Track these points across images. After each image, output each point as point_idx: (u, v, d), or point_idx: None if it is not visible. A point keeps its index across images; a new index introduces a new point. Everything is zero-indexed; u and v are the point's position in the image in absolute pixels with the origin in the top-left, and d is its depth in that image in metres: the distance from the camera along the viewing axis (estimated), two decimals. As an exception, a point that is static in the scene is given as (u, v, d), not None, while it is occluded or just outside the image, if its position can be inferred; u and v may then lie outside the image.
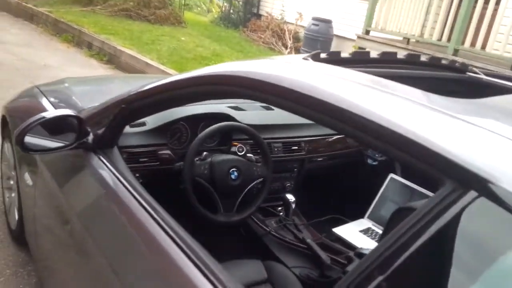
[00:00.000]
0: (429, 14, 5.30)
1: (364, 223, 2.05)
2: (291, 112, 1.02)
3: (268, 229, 1.88)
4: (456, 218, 0.68)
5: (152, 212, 1.20)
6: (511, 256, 0.65)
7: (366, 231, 1.97)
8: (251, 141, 1.87)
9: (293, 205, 1.92)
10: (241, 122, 1.87)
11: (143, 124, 1.77)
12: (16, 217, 2.17)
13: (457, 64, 1.57)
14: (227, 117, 1.88)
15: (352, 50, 6.20)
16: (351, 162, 2.16)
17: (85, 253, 1.37)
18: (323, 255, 1.70)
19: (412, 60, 1.45)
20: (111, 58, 6.46)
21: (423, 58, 1.48)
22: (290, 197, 1.93)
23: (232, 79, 1.15)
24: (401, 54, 1.47)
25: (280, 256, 1.78)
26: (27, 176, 1.93)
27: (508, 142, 0.73)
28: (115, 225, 1.32)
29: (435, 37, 5.21)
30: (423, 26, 5.32)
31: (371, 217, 2.06)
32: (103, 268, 1.22)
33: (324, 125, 0.96)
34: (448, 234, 0.69)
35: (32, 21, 8.50)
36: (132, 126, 1.74)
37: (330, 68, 1.12)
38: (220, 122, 1.79)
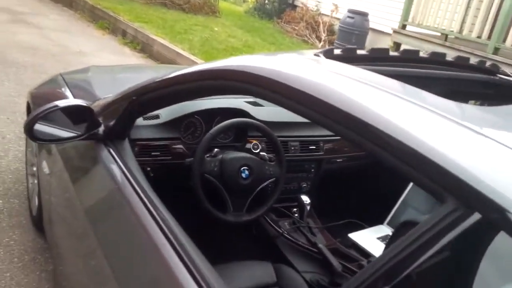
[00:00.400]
0: (469, 9, 5.05)
1: (383, 229, 1.95)
2: (293, 112, 0.96)
3: (280, 231, 1.82)
4: (456, 240, 0.62)
5: (152, 210, 1.17)
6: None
7: (384, 239, 1.87)
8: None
9: (308, 207, 1.86)
10: (257, 119, 1.81)
11: (157, 117, 1.75)
12: (36, 203, 2.20)
13: (487, 65, 1.46)
14: (243, 113, 1.82)
15: (388, 45, 6.02)
16: (372, 164, 2.08)
17: (88, 246, 1.36)
18: (335, 262, 1.64)
19: (436, 59, 1.35)
20: (144, 47, 6.52)
21: (448, 58, 1.38)
22: (305, 198, 1.87)
23: (235, 74, 1.10)
24: (424, 53, 1.38)
25: (291, 260, 1.73)
26: (44, 164, 1.95)
27: None
28: (115, 220, 1.31)
29: (474, 34, 4.96)
30: (463, 21, 5.07)
31: (391, 224, 1.97)
32: (101, 262, 1.21)
33: (324, 127, 0.89)
34: (445, 255, 0.64)
35: (71, 7, 8.68)
36: (145, 119, 1.72)
37: (339, 66, 1.05)
38: (235, 117, 1.74)
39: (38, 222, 2.16)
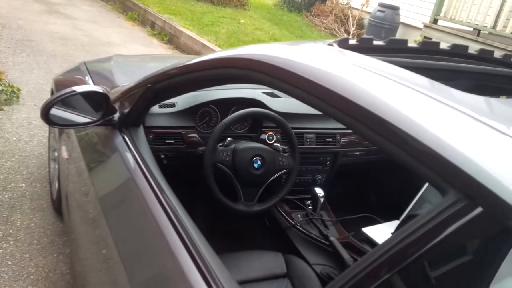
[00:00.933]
0: (505, 3, 4.85)
1: (399, 225, 1.91)
2: (303, 102, 0.94)
3: (293, 222, 1.81)
4: (455, 233, 0.60)
5: (162, 199, 1.18)
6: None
7: (398, 234, 1.83)
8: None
9: (322, 200, 1.83)
10: (273, 110, 1.79)
11: (172, 105, 1.75)
12: (56, 187, 2.25)
13: (512, 59, 1.40)
14: (259, 104, 1.81)
15: (419, 39, 5.87)
16: (390, 158, 2.03)
17: (99, 232, 1.38)
18: (346, 255, 1.61)
19: (457, 52, 1.30)
20: (171, 38, 6.57)
21: (470, 51, 1.33)
22: (319, 191, 1.84)
23: (248, 63, 1.09)
24: (444, 45, 1.33)
25: (302, 251, 1.71)
26: (64, 149, 2.00)
27: None
28: (126, 207, 1.32)
29: (509, 30, 4.77)
30: (497, 17, 4.88)
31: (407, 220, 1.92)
32: (111, 249, 1.22)
33: (334, 118, 0.87)
34: (444, 247, 0.62)
35: (102, -2, 8.84)
36: (161, 107, 1.73)
37: (352, 56, 1.02)
38: (251, 108, 1.73)
39: (58, 206, 2.22)
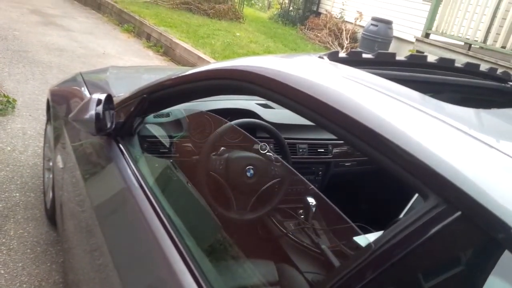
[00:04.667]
0: (495, 19, 4.95)
1: (390, 234, 1.94)
2: (294, 112, 0.98)
3: (285, 231, 1.83)
4: (435, 236, 0.62)
5: (157, 208, 1.20)
6: None
7: (389, 243, 1.85)
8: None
9: (313, 209, 1.85)
10: (266, 120, 1.83)
11: (167, 115, 1.78)
12: (51, 197, 2.26)
13: (498, 72, 1.44)
14: (253, 114, 1.85)
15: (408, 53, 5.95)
16: (381, 168, 2.06)
17: (94, 242, 1.39)
18: (337, 263, 1.63)
19: (444, 65, 1.34)
20: (167, 50, 6.63)
21: (457, 64, 1.37)
22: (311, 200, 1.86)
23: (240, 74, 1.12)
24: (432, 59, 1.37)
25: (294, 260, 1.73)
26: (59, 159, 2.01)
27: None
28: (120, 217, 1.34)
29: (499, 44, 4.86)
30: (488, 31, 4.97)
31: (397, 229, 1.95)
32: (106, 259, 1.23)
33: (322, 127, 0.91)
34: (423, 251, 0.64)
35: (99, 10, 8.91)
36: (156, 117, 1.76)
37: (341, 68, 1.06)
38: (245, 118, 1.77)
39: (52, 215, 2.23)
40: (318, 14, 10.14)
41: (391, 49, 7.47)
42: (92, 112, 1.48)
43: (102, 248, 1.29)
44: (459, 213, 0.61)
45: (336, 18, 9.17)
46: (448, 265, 0.65)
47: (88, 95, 2.13)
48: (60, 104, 2.26)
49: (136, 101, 1.53)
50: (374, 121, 0.76)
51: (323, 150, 1.97)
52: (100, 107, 1.50)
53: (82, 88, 2.24)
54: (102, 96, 1.57)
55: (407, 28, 7.40)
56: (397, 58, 1.29)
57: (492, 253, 0.57)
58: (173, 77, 1.42)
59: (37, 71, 4.52)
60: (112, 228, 1.34)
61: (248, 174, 1.65)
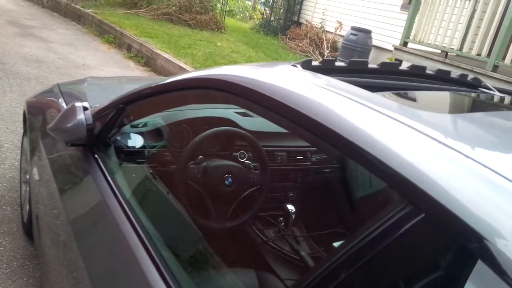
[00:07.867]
0: (470, 27, 5.08)
1: (369, 240, 1.95)
2: (266, 119, 0.99)
3: (265, 239, 1.83)
4: (401, 237, 0.64)
5: (133, 220, 1.19)
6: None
7: (368, 249, 1.87)
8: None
9: (293, 216, 1.86)
10: (244, 128, 1.84)
11: (145, 125, 1.78)
12: (27, 210, 2.22)
13: (468, 78, 1.48)
14: (230, 123, 1.85)
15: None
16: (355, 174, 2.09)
17: (70, 256, 1.37)
18: (316, 269, 1.64)
19: (416, 72, 1.37)
20: (148, 61, 6.61)
21: (428, 71, 1.40)
22: (290, 207, 1.87)
23: (214, 83, 1.13)
24: (404, 66, 1.40)
25: (274, 267, 1.73)
26: (35, 171, 1.98)
27: (479, 167, 0.66)
28: (96, 229, 1.33)
29: (474, 52, 4.97)
30: (463, 39, 5.09)
31: (376, 235, 1.96)
32: (82, 273, 1.22)
33: (294, 134, 0.92)
34: (390, 251, 0.65)
35: (79, 21, 8.86)
36: (133, 127, 1.75)
37: (311, 76, 1.08)
38: (223, 127, 1.77)
39: (29, 229, 2.18)
40: (299, 24, 10.25)
41: (370, 58, 7.58)
42: (80, 117, 1.48)
43: (77, 263, 1.27)
44: (423, 214, 0.62)
45: (317, 28, 9.27)
46: (417, 267, 0.66)
47: (65, 106, 2.11)
48: (36, 116, 2.23)
49: (113, 111, 1.52)
50: (342, 127, 0.78)
51: (301, 157, 1.98)
52: (89, 112, 1.50)
53: (59, 100, 2.22)
54: (86, 103, 1.56)
55: (386, 37, 7.53)
56: (370, 65, 1.31)
57: (458, 252, 0.58)
58: (149, 86, 1.42)
59: (14, 83, 4.46)
60: (87, 241, 1.32)
61: (227, 182, 1.65)
